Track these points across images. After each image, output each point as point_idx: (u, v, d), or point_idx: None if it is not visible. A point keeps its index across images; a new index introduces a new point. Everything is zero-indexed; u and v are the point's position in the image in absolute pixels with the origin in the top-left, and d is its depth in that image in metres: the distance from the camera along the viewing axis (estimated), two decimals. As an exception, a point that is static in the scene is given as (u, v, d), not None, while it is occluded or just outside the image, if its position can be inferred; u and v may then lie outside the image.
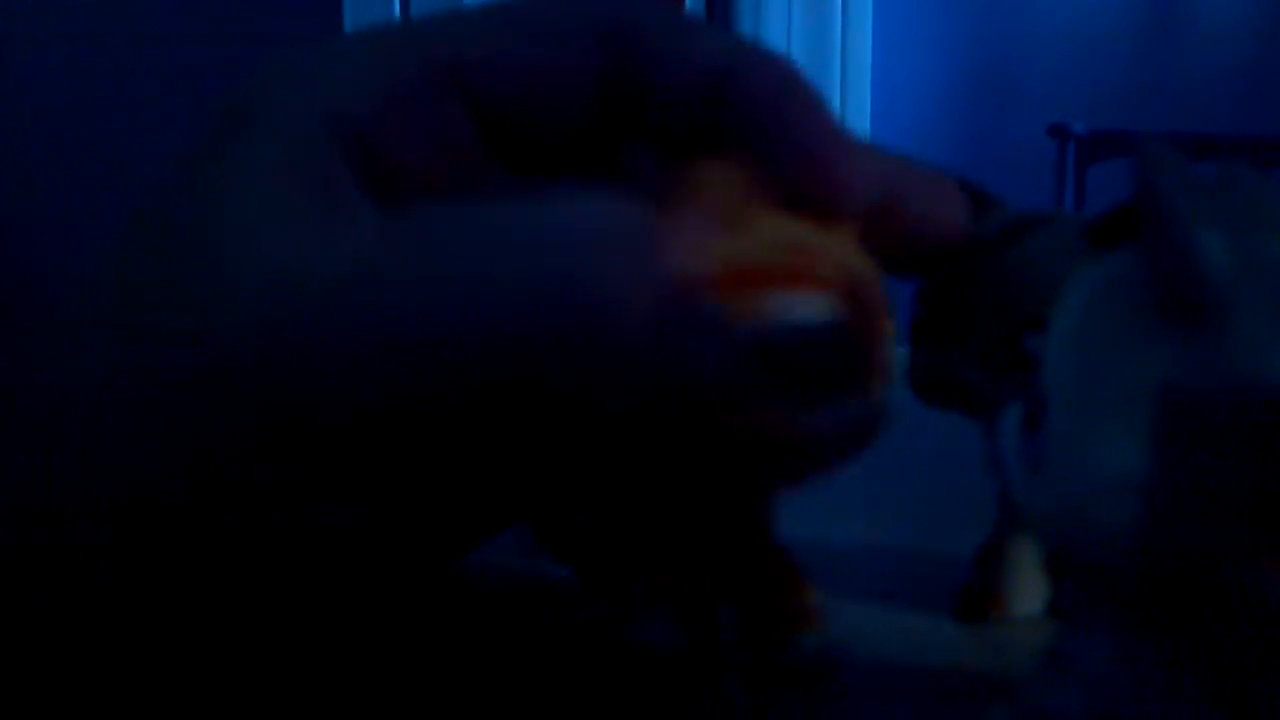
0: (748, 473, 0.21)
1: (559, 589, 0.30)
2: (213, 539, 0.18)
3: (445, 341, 0.17)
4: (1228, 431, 0.15)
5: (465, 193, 0.21)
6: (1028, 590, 0.28)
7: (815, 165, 0.19)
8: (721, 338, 0.17)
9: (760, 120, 0.20)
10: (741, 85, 0.20)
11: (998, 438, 0.20)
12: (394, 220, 0.19)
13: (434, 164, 0.21)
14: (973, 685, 0.25)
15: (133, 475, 0.17)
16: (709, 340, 0.17)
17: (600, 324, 0.17)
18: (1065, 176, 1.80)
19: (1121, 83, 2.13)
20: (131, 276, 0.18)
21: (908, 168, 0.23)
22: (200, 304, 0.17)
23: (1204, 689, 0.17)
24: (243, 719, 0.20)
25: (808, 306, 0.18)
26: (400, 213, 0.19)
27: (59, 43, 1.62)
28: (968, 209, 0.22)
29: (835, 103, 2.17)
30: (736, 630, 0.26)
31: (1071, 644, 0.19)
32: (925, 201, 0.23)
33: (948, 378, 0.27)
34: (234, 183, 0.19)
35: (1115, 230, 0.26)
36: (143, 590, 0.18)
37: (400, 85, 0.20)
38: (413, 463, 0.18)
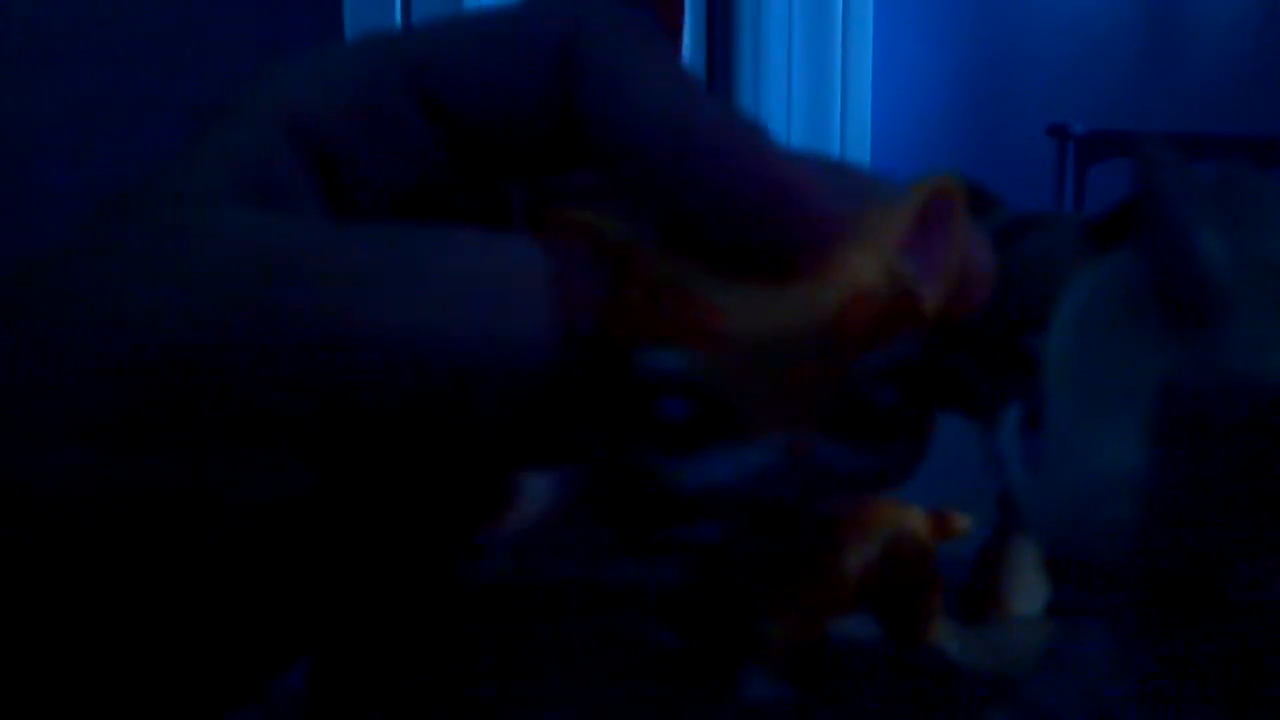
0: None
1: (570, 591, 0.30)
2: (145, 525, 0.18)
3: (367, 345, 0.18)
4: (1227, 431, 0.15)
5: (415, 202, 0.21)
6: (1028, 590, 0.28)
7: (773, 213, 0.19)
8: (609, 372, 0.19)
9: (697, 174, 0.19)
10: (675, 139, 0.19)
11: (998, 438, 0.20)
12: (337, 225, 0.19)
13: (391, 169, 0.21)
14: (973, 685, 0.25)
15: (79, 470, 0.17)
16: (597, 372, 0.18)
17: (509, 353, 0.18)
18: (1065, 176, 1.80)
19: (1121, 83, 2.13)
20: (76, 269, 0.19)
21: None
22: (139, 290, 0.18)
23: (1204, 689, 0.17)
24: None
25: (672, 357, 0.18)
26: (343, 221, 0.19)
27: (56, 41, 1.62)
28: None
29: (835, 103, 2.17)
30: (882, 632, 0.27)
31: (1071, 644, 0.19)
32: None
33: (948, 378, 0.27)
34: (188, 175, 0.19)
35: (1115, 230, 0.26)
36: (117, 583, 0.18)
37: (361, 93, 0.21)
38: (343, 443, 0.18)
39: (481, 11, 0.22)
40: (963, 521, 0.28)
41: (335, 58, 0.21)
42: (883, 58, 2.20)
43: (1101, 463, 0.16)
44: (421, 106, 0.21)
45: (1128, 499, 0.16)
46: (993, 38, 2.19)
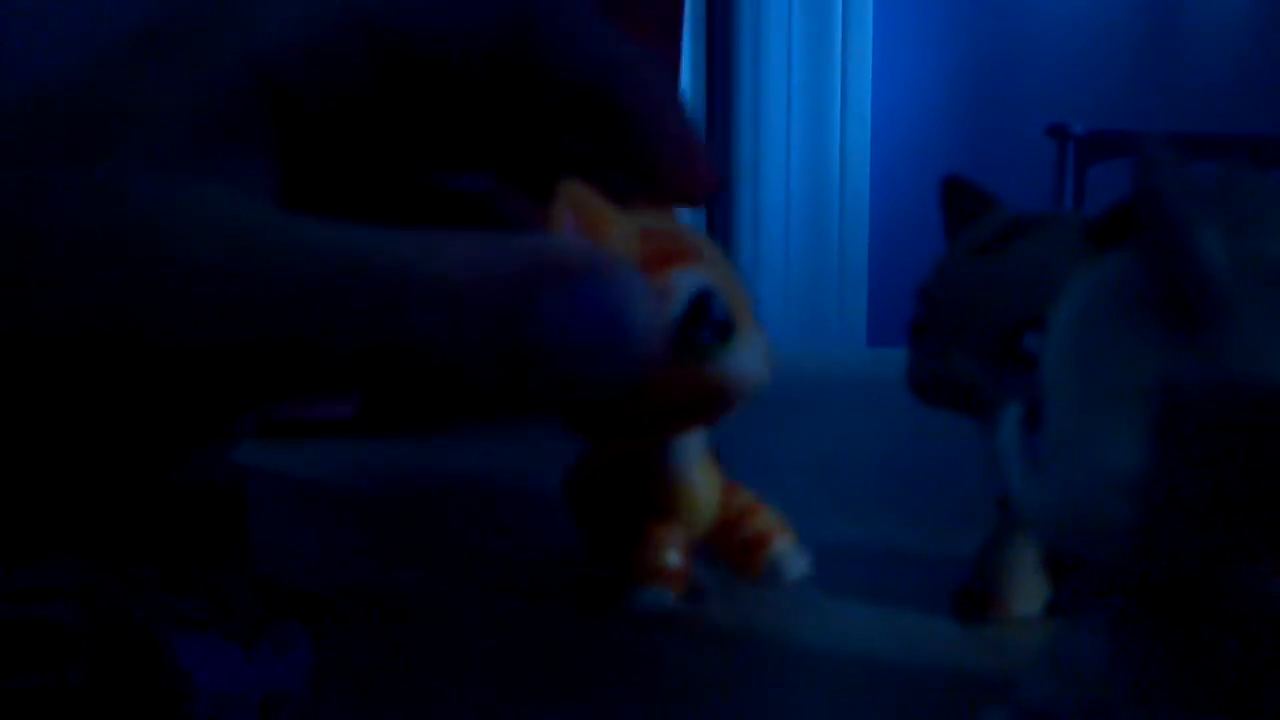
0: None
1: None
2: None
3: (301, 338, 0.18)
4: (1227, 431, 0.15)
5: (366, 148, 0.23)
6: (1028, 590, 0.28)
7: (684, 164, 0.24)
8: (654, 306, 0.21)
9: (638, 127, 0.23)
10: (619, 95, 0.23)
11: (998, 438, 0.20)
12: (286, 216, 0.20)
13: (342, 114, 0.22)
14: (971, 685, 0.25)
15: None
16: (642, 311, 0.21)
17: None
18: (1065, 176, 1.80)
19: (1121, 83, 2.13)
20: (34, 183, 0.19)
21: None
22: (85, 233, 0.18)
23: (1203, 689, 0.17)
24: None
25: (697, 277, 0.23)
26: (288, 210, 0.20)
27: (56, 40, 1.62)
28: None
29: (835, 103, 2.17)
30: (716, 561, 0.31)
31: (1071, 644, 0.19)
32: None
33: (948, 378, 0.27)
34: (146, 116, 0.19)
35: (1115, 230, 0.26)
36: None
37: (320, 37, 0.21)
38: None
39: None
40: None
41: (290, 2, 0.22)
42: (883, 58, 2.20)
43: (1101, 463, 0.16)
44: (374, 48, 0.22)
45: (1127, 499, 0.16)
46: (993, 38, 2.19)
